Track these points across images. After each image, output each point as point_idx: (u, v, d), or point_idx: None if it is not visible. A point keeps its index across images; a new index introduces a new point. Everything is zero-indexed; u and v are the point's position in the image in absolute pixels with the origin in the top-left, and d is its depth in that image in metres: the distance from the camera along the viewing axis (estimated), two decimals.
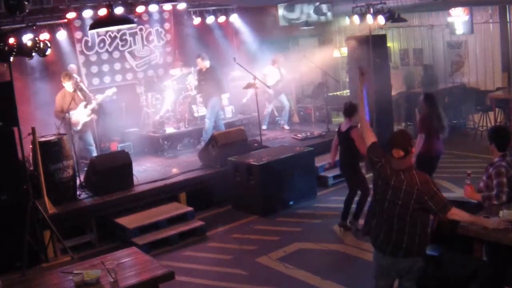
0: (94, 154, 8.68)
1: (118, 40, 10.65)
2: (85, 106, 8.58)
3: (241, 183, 8.10)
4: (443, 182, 8.36)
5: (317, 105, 12.24)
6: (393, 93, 11.58)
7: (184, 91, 10.66)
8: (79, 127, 8.55)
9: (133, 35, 10.82)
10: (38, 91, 9.14)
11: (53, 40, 8.62)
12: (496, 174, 4.54)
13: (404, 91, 12.08)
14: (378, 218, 4.01)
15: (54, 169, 7.21)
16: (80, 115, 8.54)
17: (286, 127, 11.47)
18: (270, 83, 10.71)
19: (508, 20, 10.72)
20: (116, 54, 10.66)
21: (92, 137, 8.90)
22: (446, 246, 4.52)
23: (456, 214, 3.90)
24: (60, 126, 8.09)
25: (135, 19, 9.32)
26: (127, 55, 10.82)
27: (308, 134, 10.34)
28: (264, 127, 11.20)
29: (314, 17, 12.61)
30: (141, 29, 10.94)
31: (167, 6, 10.66)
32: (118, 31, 10.46)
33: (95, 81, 10.39)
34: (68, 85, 8.49)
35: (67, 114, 8.13)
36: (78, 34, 10.07)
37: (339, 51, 13.63)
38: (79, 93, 8.54)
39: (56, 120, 8.18)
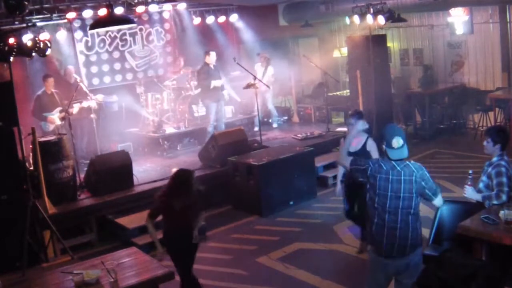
0: None
1: (118, 40, 10.66)
2: (60, 112, 8.63)
3: (241, 183, 8.10)
4: (443, 182, 8.35)
5: (317, 105, 12.25)
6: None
7: (184, 91, 10.66)
8: (50, 129, 8.57)
9: (133, 35, 10.83)
10: (38, 91, 9.14)
11: (53, 40, 8.62)
12: (496, 174, 4.55)
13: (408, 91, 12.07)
14: (378, 222, 4.00)
15: (54, 169, 7.22)
16: (54, 118, 8.61)
17: (274, 125, 11.71)
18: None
19: (508, 20, 10.71)
20: (116, 54, 10.67)
21: None
22: (446, 246, 4.53)
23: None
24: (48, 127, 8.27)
25: (135, 19, 9.32)
26: (127, 55, 10.83)
27: (308, 134, 10.34)
28: (274, 125, 11.61)
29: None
30: (141, 29, 10.95)
31: (167, 6, 10.66)
32: (118, 31, 10.48)
33: (95, 81, 10.40)
34: (48, 85, 8.69)
35: (43, 114, 8.43)
36: (78, 34, 10.07)
37: (339, 51, 13.63)
38: (56, 96, 8.70)
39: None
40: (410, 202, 3.88)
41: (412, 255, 3.94)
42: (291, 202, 8.10)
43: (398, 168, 3.90)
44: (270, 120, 11.77)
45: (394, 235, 3.90)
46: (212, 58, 10.06)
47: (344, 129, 10.63)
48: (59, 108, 8.69)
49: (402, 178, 3.88)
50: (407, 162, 3.96)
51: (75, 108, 8.67)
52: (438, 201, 4.02)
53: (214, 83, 10.00)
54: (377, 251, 4.04)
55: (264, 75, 10.99)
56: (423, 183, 3.89)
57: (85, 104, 8.83)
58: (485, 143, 4.75)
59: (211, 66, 10.08)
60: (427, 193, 3.93)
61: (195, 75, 10.68)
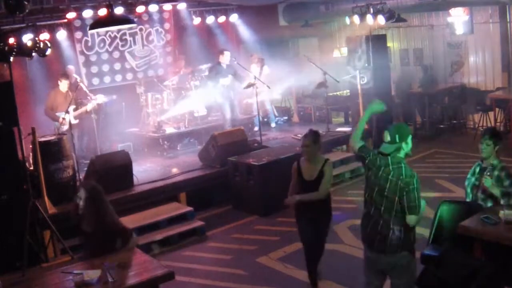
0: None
1: (118, 40, 10.66)
2: (74, 110, 8.60)
3: (241, 183, 8.10)
4: (443, 182, 8.35)
5: (317, 105, 12.24)
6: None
7: (184, 91, 10.65)
8: (65, 128, 8.55)
9: (133, 35, 10.83)
10: (38, 91, 9.15)
11: (53, 40, 8.62)
12: (508, 175, 4.63)
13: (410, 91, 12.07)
14: (366, 212, 4.04)
15: (54, 169, 7.20)
16: (68, 116, 8.54)
17: (272, 125, 11.75)
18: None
19: (508, 20, 10.72)
20: (116, 54, 10.67)
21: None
22: (446, 246, 4.52)
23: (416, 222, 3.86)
24: (59, 126, 8.15)
25: (135, 19, 9.31)
26: (127, 55, 10.83)
27: None
28: (272, 124, 11.65)
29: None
30: (141, 29, 10.95)
31: (167, 6, 10.66)
32: (118, 31, 10.48)
33: (95, 81, 10.41)
34: (63, 85, 8.63)
35: (57, 114, 8.34)
36: (78, 34, 10.08)
37: (339, 51, 13.63)
38: (70, 94, 8.64)
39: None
40: (392, 203, 3.84)
41: (397, 256, 3.88)
42: None
43: (390, 167, 3.88)
44: (266, 119, 11.77)
45: (376, 230, 3.92)
46: (226, 57, 10.11)
47: (344, 129, 10.64)
48: (73, 106, 8.62)
49: (390, 177, 3.85)
50: (403, 164, 3.88)
51: (90, 106, 8.71)
52: (410, 219, 3.80)
53: (222, 81, 10.09)
54: (363, 241, 4.09)
55: (260, 75, 10.97)
56: (404, 191, 3.79)
57: (98, 101, 8.87)
58: (484, 145, 4.72)
59: (223, 65, 10.09)
60: (404, 203, 3.78)
61: (195, 75, 10.71)
